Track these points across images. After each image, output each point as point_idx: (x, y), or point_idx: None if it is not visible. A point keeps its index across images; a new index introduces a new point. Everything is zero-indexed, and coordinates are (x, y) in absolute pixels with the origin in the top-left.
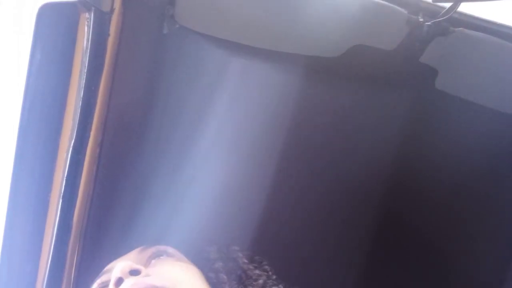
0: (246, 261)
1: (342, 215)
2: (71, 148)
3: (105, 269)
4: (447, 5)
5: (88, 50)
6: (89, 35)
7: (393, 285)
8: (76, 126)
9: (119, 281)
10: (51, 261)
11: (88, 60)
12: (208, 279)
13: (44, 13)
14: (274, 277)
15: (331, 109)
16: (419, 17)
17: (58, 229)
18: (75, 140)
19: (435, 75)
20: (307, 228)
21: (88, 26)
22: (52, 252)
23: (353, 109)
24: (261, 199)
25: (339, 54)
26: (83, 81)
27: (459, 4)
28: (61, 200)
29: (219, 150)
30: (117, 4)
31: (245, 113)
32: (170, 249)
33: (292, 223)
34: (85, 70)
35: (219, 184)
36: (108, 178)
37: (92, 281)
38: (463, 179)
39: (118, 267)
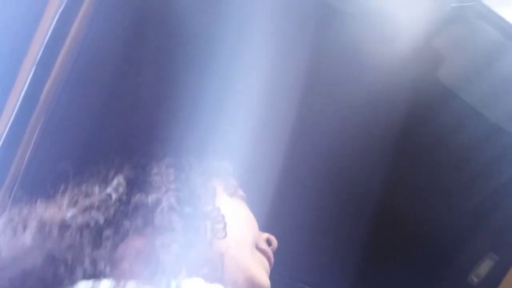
0: None
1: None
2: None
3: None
4: None
5: None
6: None
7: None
8: None
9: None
10: (6, 136)
11: None
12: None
13: None
14: None
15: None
16: None
17: (25, 98)
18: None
19: (440, 63)
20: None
21: None
22: (10, 126)
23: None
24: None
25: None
26: None
27: None
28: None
29: None
30: None
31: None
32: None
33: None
34: None
35: None
36: (93, 59)
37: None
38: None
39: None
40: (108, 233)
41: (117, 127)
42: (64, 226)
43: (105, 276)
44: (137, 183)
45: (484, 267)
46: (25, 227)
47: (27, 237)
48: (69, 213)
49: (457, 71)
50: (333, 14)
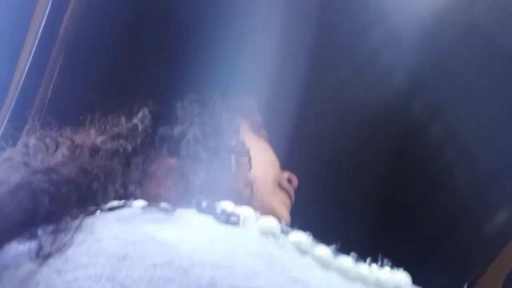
0: None
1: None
2: None
3: None
4: None
5: None
6: None
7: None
8: None
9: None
10: (28, 70)
11: None
12: None
13: None
14: None
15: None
16: None
17: (42, 33)
18: None
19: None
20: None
21: None
22: (31, 61)
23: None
24: None
25: None
26: None
27: None
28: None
29: None
30: None
31: None
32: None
33: None
34: None
35: None
36: None
37: None
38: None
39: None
40: (136, 160)
41: (139, 61)
42: (94, 150)
43: (135, 197)
44: (161, 116)
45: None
46: (57, 146)
47: (59, 155)
48: (99, 139)
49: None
50: None
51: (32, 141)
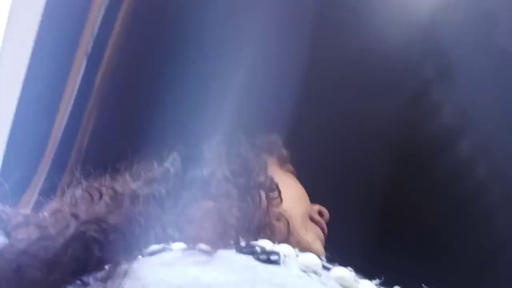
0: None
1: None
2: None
3: None
4: None
5: None
6: None
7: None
8: None
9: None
10: (67, 123)
11: None
12: None
13: None
14: None
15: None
16: None
17: (80, 85)
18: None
19: (494, 24)
20: None
21: None
22: (69, 115)
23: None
24: None
25: None
26: None
27: None
28: (86, 59)
29: None
30: None
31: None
32: None
33: None
34: None
35: None
36: (140, 40)
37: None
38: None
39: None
40: (171, 203)
41: (167, 110)
42: (133, 196)
43: (174, 240)
44: (190, 159)
45: None
46: (101, 196)
47: (103, 204)
48: (135, 185)
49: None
50: None
51: (78, 192)
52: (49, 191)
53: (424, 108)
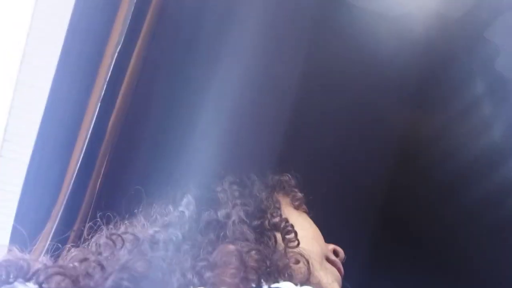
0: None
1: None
2: (116, 54)
3: None
4: None
5: None
6: None
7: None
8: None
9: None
10: (79, 167)
11: None
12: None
13: None
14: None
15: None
16: None
17: (93, 130)
18: (121, 45)
19: (496, 53)
20: None
21: None
22: (82, 159)
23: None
24: None
25: (398, 14)
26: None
27: None
28: (99, 104)
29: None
30: None
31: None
32: None
33: None
34: None
35: None
36: (154, 86)
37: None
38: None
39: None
40: (186, 247)
41: (179, 151)
42: (153, 241)
43: (194, 285)
44: (204, 201)
45: None
46: (123, 242)
47: (125, 250)
48: (153, 230)
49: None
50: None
51: (103, 240)
52: (62, 236)
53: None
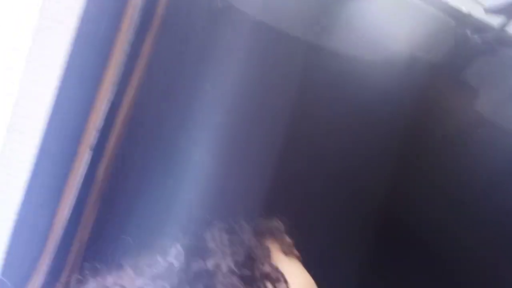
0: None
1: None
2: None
3: None
4: (496, 21)
5: None
6: None
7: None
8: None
9: None
10: (71, 211)
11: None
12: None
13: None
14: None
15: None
16: (467, 30)
17: (82, 181)
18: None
19: (474, 94)
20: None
21: None
22: (73, 203)
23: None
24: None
25: (377, 58)
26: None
27: (510, 22)
28: (90, 152)
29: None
30: None
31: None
32: None
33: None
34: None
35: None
36: (139, 139)
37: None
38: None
39: None
40: None
41: (165, 198)
42: None
43: None
44: (193, 250)
45: None
46: None
47: None
48: (141, 282)
49: (490, 99)
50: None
51: None
52: (50, 286)
53: None
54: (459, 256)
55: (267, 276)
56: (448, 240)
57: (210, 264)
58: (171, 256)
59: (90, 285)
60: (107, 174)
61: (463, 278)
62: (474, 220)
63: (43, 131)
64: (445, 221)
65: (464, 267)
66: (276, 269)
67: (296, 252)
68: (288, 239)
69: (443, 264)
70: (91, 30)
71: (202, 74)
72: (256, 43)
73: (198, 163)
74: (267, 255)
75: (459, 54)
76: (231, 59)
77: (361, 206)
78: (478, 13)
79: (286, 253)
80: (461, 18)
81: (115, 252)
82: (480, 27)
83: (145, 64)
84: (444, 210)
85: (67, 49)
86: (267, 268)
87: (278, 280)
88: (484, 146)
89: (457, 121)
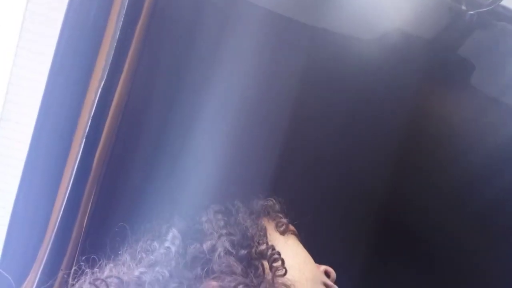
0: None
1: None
2: (100, 89)
3: None
4: None
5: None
6: None
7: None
8: (108, 68)
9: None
10: (66, 202)
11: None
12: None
13: None
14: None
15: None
16: (462, 5)
17: (77, 170)
18: (105, 81)
19: (471, 69)
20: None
21: None
22: (69, 193)
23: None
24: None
25: (373, 37)
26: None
27: None
28: (84, 140)
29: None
30: None
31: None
32: None
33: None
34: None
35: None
36: (134, 125)
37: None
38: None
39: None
40: (174, 285)
41: (161, 184)
42: (139, 283)
43: None
44: (190, 233)
45: None
46: (107, 287)
47: None
48: (139, 270)
49: (487, 74)
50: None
51: (86, 286)
52: (49, 278)
53: None
54: (459, 256)
55: (263, 255)
56: (448, 240)
57: (206, 246)
58: (168, 241)
59: (86, 278)
60: (102, 162)
61: (463, 278)
62: (474, 220)
63: (36, 120)
64: (445, 222)
65: (464, 267)
66: (272, 248)
67: (292, 227)
68: (283, 219)
69: (443, 264)
70: (81, 18)
71: (196, 59)
72: (247, 28)
73: (194, 149)
74: (263, 234)
75: (455, 30)
76: (227, 44)
77: (360, 206)
78: None
79: (282, 231)
80: None
81: (113, 241)
82: (475, 2)
83: (137, 50)
84: (444, 210)
85: (58, 37)
86: (263, 247)
87: (274, 259)
88: (484, 145)
89: (455, 104)
